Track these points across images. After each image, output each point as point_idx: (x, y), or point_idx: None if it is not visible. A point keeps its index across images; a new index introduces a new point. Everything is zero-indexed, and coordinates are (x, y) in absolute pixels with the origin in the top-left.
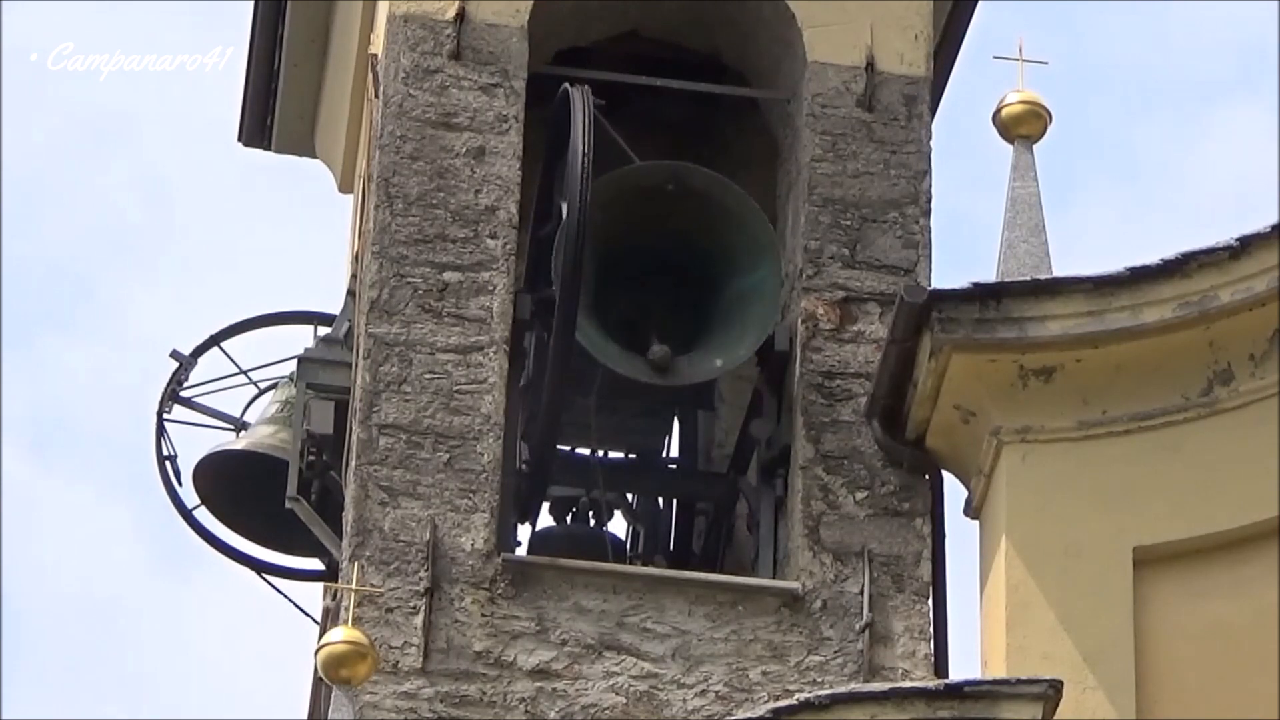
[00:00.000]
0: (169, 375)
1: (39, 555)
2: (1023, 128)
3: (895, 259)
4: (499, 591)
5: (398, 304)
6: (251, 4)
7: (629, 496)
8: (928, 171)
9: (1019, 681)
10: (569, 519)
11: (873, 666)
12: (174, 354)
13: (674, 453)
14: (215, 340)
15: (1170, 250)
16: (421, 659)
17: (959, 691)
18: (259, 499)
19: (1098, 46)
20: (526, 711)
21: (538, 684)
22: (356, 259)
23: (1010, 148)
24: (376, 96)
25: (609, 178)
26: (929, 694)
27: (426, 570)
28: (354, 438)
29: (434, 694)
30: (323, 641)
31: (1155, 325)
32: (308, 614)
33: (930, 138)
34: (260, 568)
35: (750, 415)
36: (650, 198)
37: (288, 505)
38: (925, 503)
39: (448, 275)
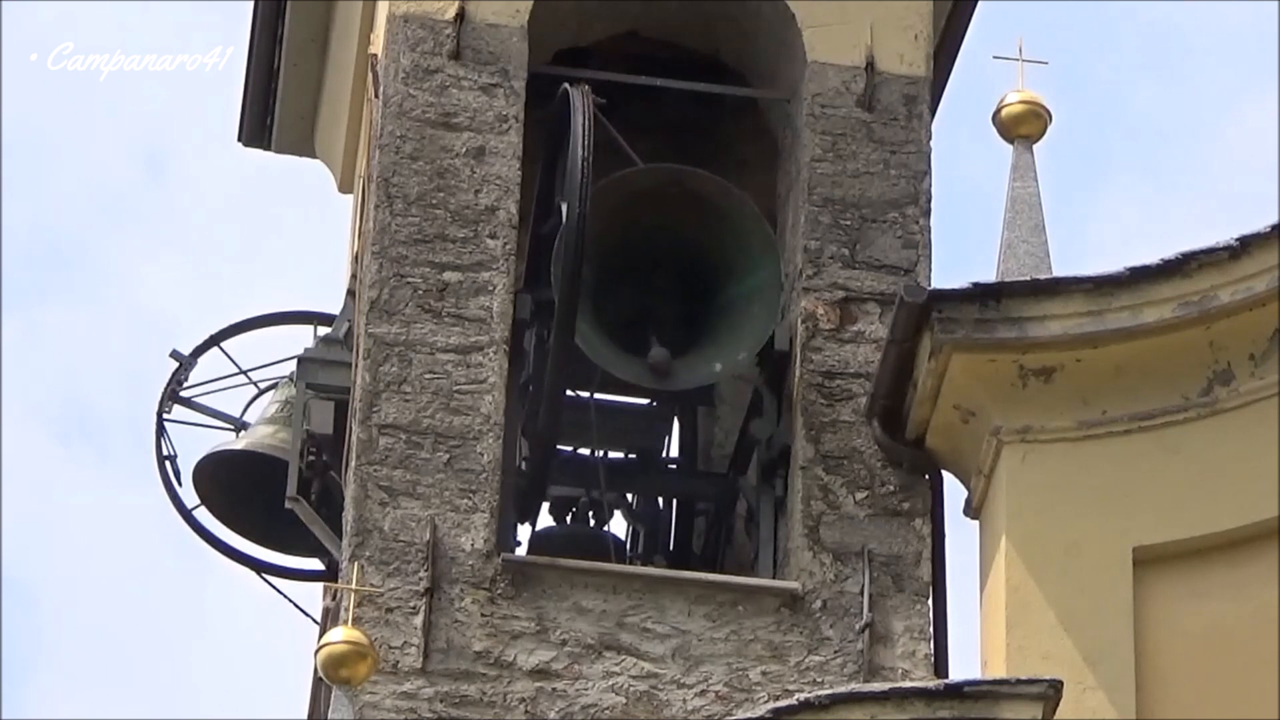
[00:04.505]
0: (169, 375)
1: (40, 553)
2: (1023, 128)
3: (895, 259)
4: (499, 591)
5: (398, 304)
6: (251, 4)
7: (629, 496)
8: (928, 171)
9: (1019, 681)
10: (569, 519)
11: (873, 666)
12: (174, 354)
13: (674, 453)
14: (215, 340)
15: (1170, 249)
16: (421, 659)
17: (959, 691)
18: (259, 499)
19: (1098, 46)
20: (526, 711)
21: (538, 684)
22: (356, 259)
23: (1010, 148)
24: (376, 96)
25: (610, 181)
26: (929, 694)
27: (426, 570)
28: (354, 438)
29: (434, 694)
30: (323, 641)
31: (1155, 325)
32: (308, 614)
33: (930, 138)
34: (260, 568)
35: (750, 415)
36: (651, 200)
37: (288, 505)
38: (925, 503)
39: (448, 275)
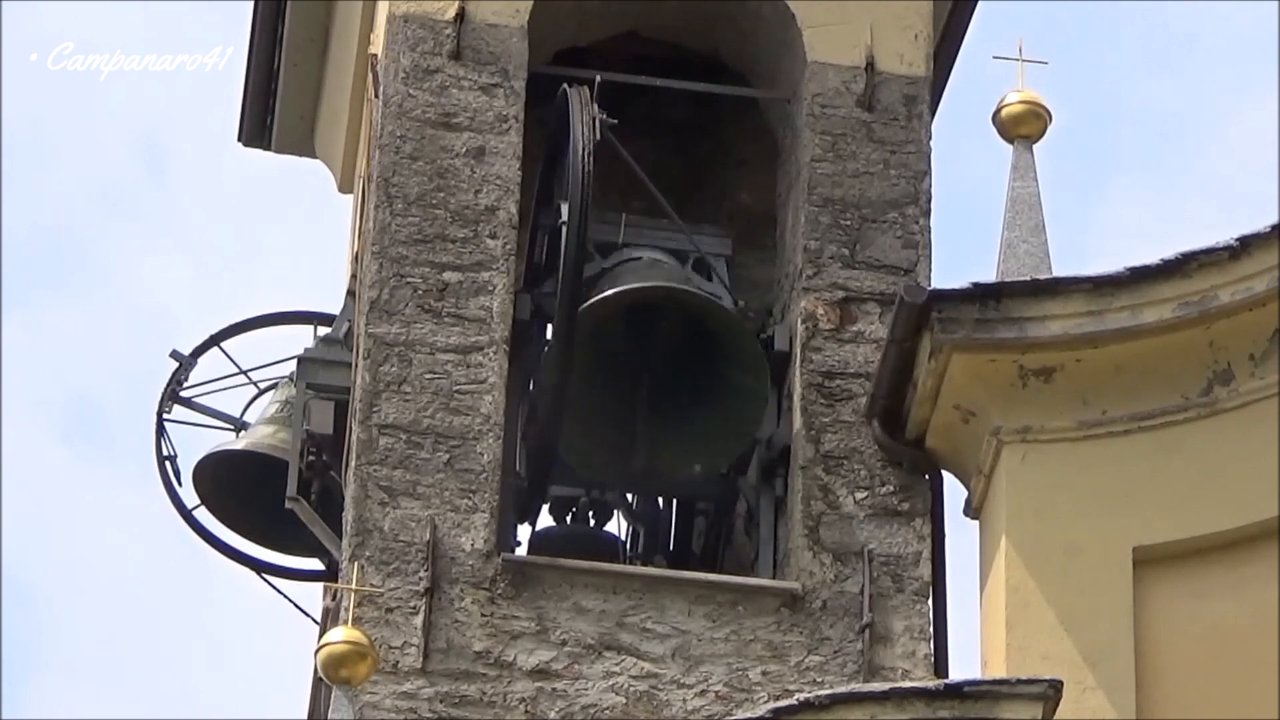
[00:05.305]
0: (169, 375)
1: (40, 553)
2: (1022, 128)
3: (895, 259)
4: (499, 591)
5: (398, 304)
6: (251, 4)
7: (629, 496)
8: (928, 171)
9: (1019, 681)
10: (569, 519)
11: (873, 666)
12: (174, 354)
13: None
14: (215, 340)
15: (1170, 249)
16: (421, 659)
17: (959, 691)
18: (259, 499)
19: (1098, 46)
20: (526, 711)
21: (538, 684)
22: (356, 259)
23: (1010, 148)
24: (376, 96)
25: (602, 299)
26: (929, 694)
27: (426, 570)
28: (354, 438)
29: (434, 694)
30: (323, 641)
31: (1155, 325)
32: (308, 614)
33: (930, 138)
34: (260, 568)
35: None
36: (642, 317)
37: (288, 505)
38: (925, 503)
39: (448, 275)
